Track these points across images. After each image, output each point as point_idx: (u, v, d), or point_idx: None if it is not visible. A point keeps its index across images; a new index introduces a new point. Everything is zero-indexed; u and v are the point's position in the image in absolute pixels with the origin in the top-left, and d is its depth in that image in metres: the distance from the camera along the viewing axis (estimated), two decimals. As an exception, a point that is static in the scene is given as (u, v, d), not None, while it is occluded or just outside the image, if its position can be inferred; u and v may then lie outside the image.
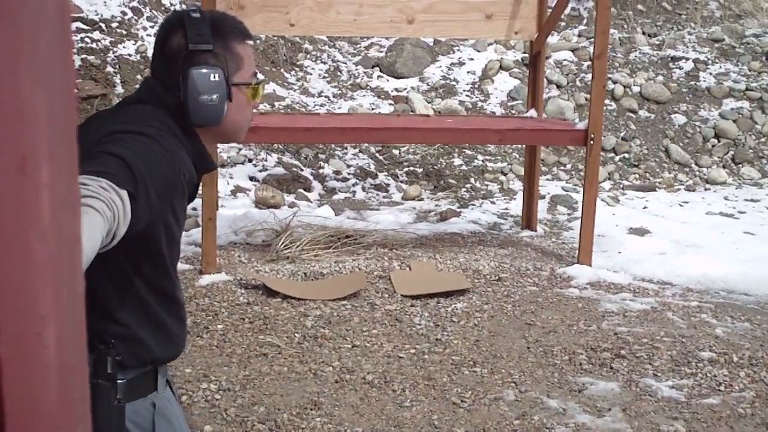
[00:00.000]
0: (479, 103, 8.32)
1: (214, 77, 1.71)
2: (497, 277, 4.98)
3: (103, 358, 1.59)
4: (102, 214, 1.28)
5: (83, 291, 0.58)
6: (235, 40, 1.77)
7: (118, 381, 1.62)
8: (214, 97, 1.71)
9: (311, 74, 8.62)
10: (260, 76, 1.80)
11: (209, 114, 1.72)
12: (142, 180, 1.43)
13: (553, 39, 8.71)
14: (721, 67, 8.86)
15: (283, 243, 5.22)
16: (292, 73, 8.55)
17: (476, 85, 8.55)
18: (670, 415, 3.39)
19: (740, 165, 8.04)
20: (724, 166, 8.01)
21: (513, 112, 8.07)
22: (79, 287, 0.57)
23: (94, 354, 1.59)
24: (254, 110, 1.88)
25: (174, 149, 1.60)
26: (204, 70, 1.70)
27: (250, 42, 1.84)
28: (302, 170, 7.15)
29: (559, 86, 8.46)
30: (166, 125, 1.66)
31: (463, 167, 7.58)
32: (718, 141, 8.20)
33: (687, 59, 8.90)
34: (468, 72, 8.71)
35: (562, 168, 7.81)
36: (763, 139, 8.22)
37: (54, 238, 0.53)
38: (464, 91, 8.49)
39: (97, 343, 1.60)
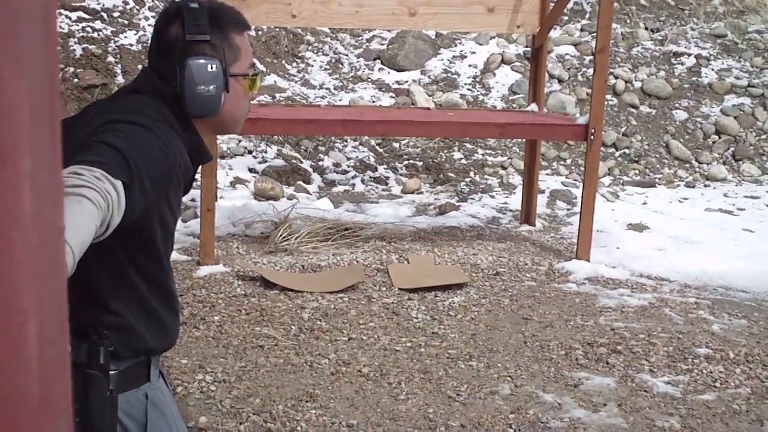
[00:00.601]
0: (480, 97, 8.31)
1: (212, 68, 1.70)
2: (495, 272, 4.98)
3: (95, 349, 1.59)
4: (96, 204, 1.28)
5: (66, 283, 0.58)
6: (233, 30, 1.77)
7: (111, 372, 1.62)
8: (211, 87, 1.70)
9: (312, 66, 8.61)
10: (259, 67, 1.80)
11: (206, 105, 1.72)
12: (137, 170, 1.43)
13: (555, 33, 8.69)
14: (723, 63, 8.84)
15: (281, 235, 5.21)
16: (294, 64, 8.53)
17: (477, 79, 8.54)
18: (666, 411, 3.39)
19: (740, 162, 8.03)
20: (724, 163, 8.00)
21: (514, 106, 8.06)
22: (62, 279, 0.57)
23: (87, 344, 1.59)
24: (252, 101, 1.88)
25: (170, 139, 1.60)
26: (201, 61, 1.70)
27: (249, 33, 1.83)
28: (302, 162, 7.14)
29: (560, 80, 8.44)
30: (162, 115, 1.66)
31: (463, 161, 7.57)
32: (719, 137, 8.18)
33: (689, 55, 8.88)
34: (469, 65, 8.69)
35: (562, 163, 7.80)
36: (763, 136, 8.21)
37: (35, 229, 0.53)
38: (465, 84, 8.47)
39: (91, 333, 1.60)
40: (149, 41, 1.81)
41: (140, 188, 1.43)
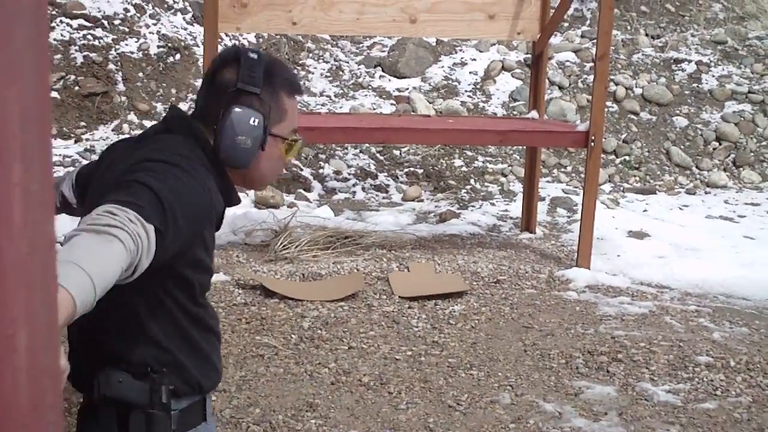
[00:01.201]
0: (481, 104, 8.31)
1: (254, 122, 1.68)
2: (495, 280, 4.97)
3: (157, 388, 1.58)
4: (126, 246, 1.29)
5: (57, 293, 0.57)
6: (284, 90, 1.75)
7: (172, 411, 1.61)
8: (249, 141, 1.68)
9: (313, 73, 8.61)
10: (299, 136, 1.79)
11: (238, 156, 1.69)
12: (172, 213, 1.42)
13: (555, 40, 8.70)
14: (723, 70, 8.85)
15: (281, 243, 5.21)
16: (294, 72, 8.54)
17: (478, 86, 8.54)
18: (667, 420, 3.38)
19: (741, 168, 8.02)
20: (725, 170, 7.99)
21: (514, 113, 8.06)
22: (53, 290, 0.56)
23: (149, 383, 1.58)
24: (284, 169, 1.86)
25: (204, 180, 1.59)
26: (246, 111, 1.68)
27: (299, 97, 1.81)
28: (302, 170, 7.14)
29: (561, 87, 8.44)
30: (195, 156, 1.64)
31: (464, 168, 7.57)
32: (720, 144, 8.18)
33: (689, 61, 8.89)
34: (470, 72, 8.70)
35: (562, 170, 7.79)
36: (764, 143, 8.21)
37: (25, 239, 0.52)
38: (466, 91, 8.48)
39: (150, 373, 1.59)
40: (202, 79, 1.80)
41: (173, 232, 1.43)
